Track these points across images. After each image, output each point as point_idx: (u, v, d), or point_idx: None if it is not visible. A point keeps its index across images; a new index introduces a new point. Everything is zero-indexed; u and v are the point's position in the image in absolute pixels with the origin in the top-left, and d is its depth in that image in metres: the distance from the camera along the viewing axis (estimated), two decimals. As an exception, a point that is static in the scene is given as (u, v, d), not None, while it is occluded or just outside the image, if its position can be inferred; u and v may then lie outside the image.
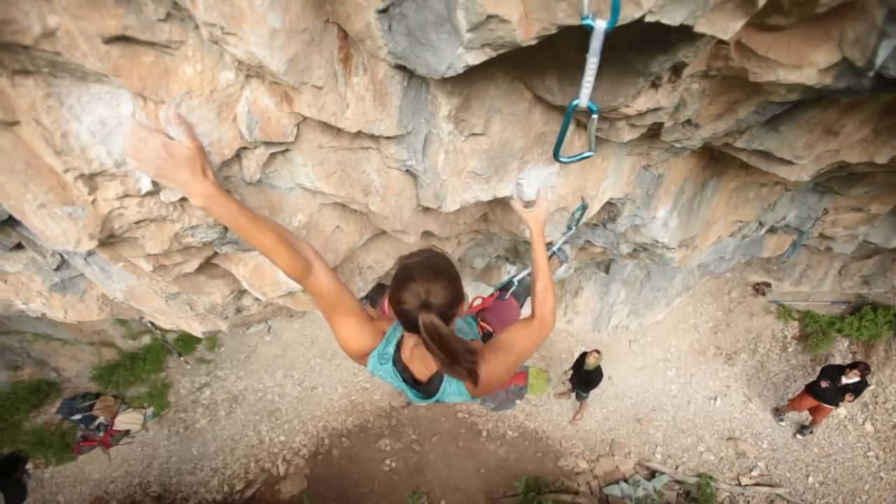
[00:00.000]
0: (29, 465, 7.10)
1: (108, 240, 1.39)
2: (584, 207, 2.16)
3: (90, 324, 6.98)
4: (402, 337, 1.34)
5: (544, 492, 6.54)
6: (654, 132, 1.93)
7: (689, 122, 1.83)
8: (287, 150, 1.35)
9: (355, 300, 1.35)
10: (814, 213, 4.33)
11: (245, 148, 1.27)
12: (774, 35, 1.27)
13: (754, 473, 6.89)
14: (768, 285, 8.61)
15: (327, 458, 7.30)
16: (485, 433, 7.35)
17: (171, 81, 1.08)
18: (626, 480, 6.78)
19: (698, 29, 0.97)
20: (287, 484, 7.09)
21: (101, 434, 7.28)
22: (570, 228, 2.19)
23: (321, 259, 1.29)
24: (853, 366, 5.64)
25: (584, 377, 6.34)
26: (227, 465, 7.32)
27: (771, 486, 6.62)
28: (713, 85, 1.59)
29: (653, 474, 6.86)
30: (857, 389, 5.73)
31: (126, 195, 1.27)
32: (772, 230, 5.02)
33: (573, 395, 7.18)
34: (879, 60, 1.16)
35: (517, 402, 7.68)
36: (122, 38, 0.97)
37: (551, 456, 7.13)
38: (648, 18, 0.89)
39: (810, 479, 6.68)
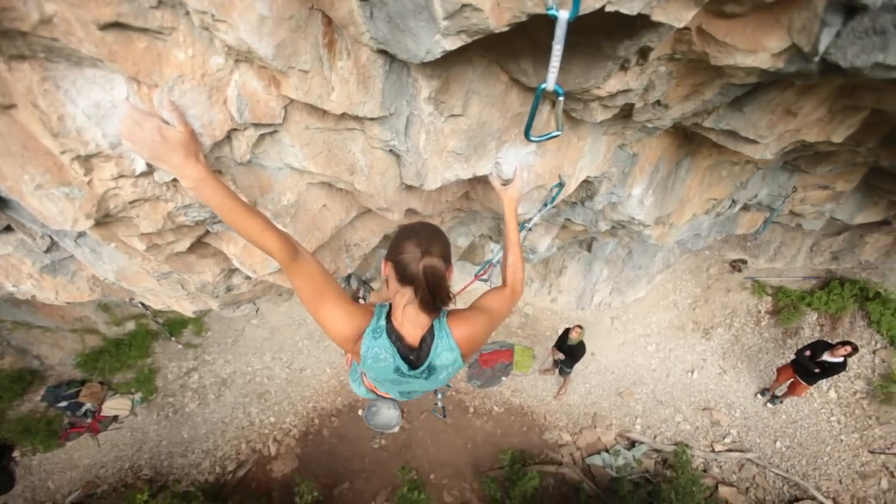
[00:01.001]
0: (16, 454, 7.10)
1: (104, 219, 1.44)
2: (561, 185, 2.26)
3: (72, 311, 6.91)
4: (390, 308, 1.43)
5: (529, 464, 6.82)
6: (627, 113, 2.03)
7: (658, 102, 1.93)
8: (275, 131, 1.42)
9: (339, 286, 1.36)
10: (784, 191, 4.52)
11: (235, 129, 1.33)
12: (731, 22, 1.37)
13: (727, 440, 7.27)
14: (744, 262, 8.93)
15: (318, 438, 7.44)
16: (472, 409, 7.58)
17: (164, 66, 1.13)
18: (607, 451, 7.10)
19: (655, 17, 1.06)
20: (278, 463, 7.22)
21: (89, 420, 7.28)
22: (545, 205, 2.30)
23: (303, 247, 1.32)
24: (843, 343, 5.62)
25: (568, 352, 6.57)
26: (218, 447, 7.41)
27: (742, 451, 7.01)
28: (679, 68, 1.69)
29: (632, 444, 7.20)
30: (831, 368, 5.83)
31: (121, 175, 1.33)
32: (745, 208, 5.22)
33: (557, 370, 7.42)
34: (822, 47, 1.27)
35: (503, 378, 7.92)
36: (117, 25, 1.01)
37: (536, 430, 7.42)
38: (608, 8, 0.97)
39: (778, 444, 7.10)
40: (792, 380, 6.68)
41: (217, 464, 7.36)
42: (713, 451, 7.11)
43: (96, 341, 7.62)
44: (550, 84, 1.02)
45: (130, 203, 1.43)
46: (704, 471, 6.91)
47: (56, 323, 7.04)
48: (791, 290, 8.20)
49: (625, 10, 0.99)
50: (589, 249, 6.83)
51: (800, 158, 3.55)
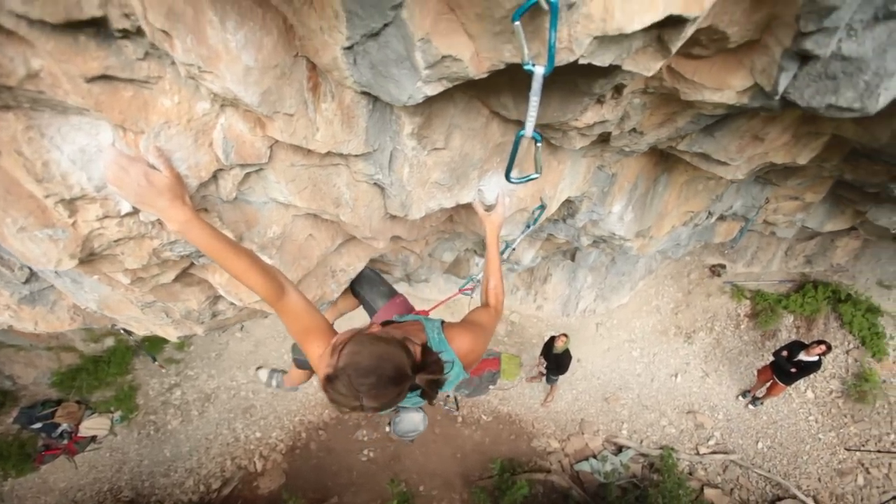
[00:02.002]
0: (-13, 479, 6.85)
1: (88, 258, 1.44)
2: (542, 207, 2.33)
3: (47, 328, 6.73)
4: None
5: (518, 472, 6.86)
6: (605, 139, 2.11)
7: (634, 130, 2.01)
8: (261, 169, 1.44)
9: (326, 321, 1.37)
10: (757, 202, 4.69)
11: (221, 170, 1.35)
12: (699, 62, 1.45)
13: (711, 443, 7.43)
14: (723, 267, 9.16)
15: (305, 452, 7.35)
16: (460, 419, 7.59)
17: (150, 113, 1.15)
18: (594, 457, 7.18)
19: (626, 67, 1.12)
20: (265, 480, 7.11)
21: (66, 441, 7.05)
22: (528, 227, 2.37)
23: (291, 283, 1.35)
24: (818, 342, 5.82)
25: (553, 361, 6.63)
26: (202, 465, 7.26)
27: (725, 453, 7.16)
28: (652, 99, 1.77)
29: (619, 449, 7.30)
30: (807, 367, 6.03)
31: (106, 216, 1.33)
32: (721, 218, 5.39)
33: (544, 378, 7.50)
34: (781, 88, 1.35)
35: (491, 387, 7.97)
36: (104, 77, 1.03)
37: (524, 438, 7.46)
38: (581, 62, 1.03)
39: (759, 445, 7.27)
40: (771, 381, 6.86)
41: (201, 482, 7.20)
42: (698, 453, 7.25)
43: (73, 359, 7.40)
44: (529, 132, 1.07)
45: (115, 241, 1.43)
46: (690, 473, 7.04)
47: (30, 341, 6.83)
48: (768, 294, 8.44)
49: (597, 63, 1.05)
50: (573, 259, 6.95)
51: (771, 173, 3.70)
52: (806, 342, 6.22)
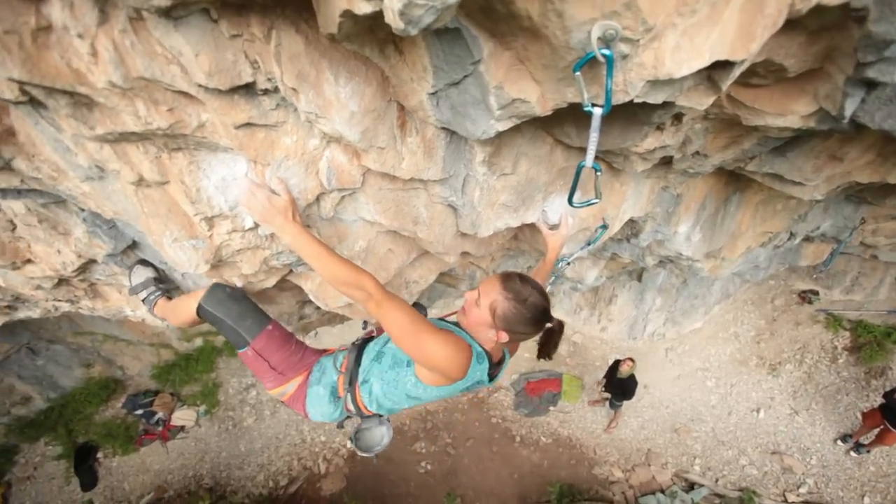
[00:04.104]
0: (99, 455, 7.87)
1: (217, 263, 1.78)
2: (605, 227, 2.41)
3: (152, 327, 7.69)
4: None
5: (578, 499, 6.62)
6: (667, 161, 2.16)
7: (697, 153, 2.05)
8: (354, 192, 1.71)
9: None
10: (850, 223, 4.30)
11: (323, 193, 1.65)
12: (758, 89, 1.50)
13: (802, 490, 6.66)
14: (815, 293, 8.30)
15: (365, 459, 7.62)
16: (518, 438, 7.51)
17: (275, 149, 1.45)
18: (662, 491, 6.74)
19: (679, 103, 1.23)
20: (327, 482, 7.43)
21: (160, 428, 7.92)
22: (588, 244, 2.47)
23: (384, 288, 1.47)
24: None
25: (618, 385, 6.40)
26: (271, 462, 7.76)
27: None
28: (714, 124, 1.82)
29: (691, 486, 6.79)
30: None
31: (234, 230, 1.67)
32: (808, 239, 4.99)
33: (607, 403, 7.23)
34: (848, 112, 1.37)
35: (551, 408, 7.80)
36: (247, 124, 1.34)
37: (585, 464, 7.20)
38: (636, 101, 1.16)
39: (866, 500, 6.39)
40: (881, 427, 6.02)
41: (270, 478, 7.68)
42: (786, 500, 6.54)
43: (169, 355, 8.32)
44: (589, 163, 1.22)
45: (237, 251, 1.77)
46: (775, 520, 6.38)
47: (137, 337, 7.83)
48: (873, 326, 7.49)
49: (651, 101, 1.17)
50: (639, 279, 6.72)
51: (864, 190, 3.43)
52: None
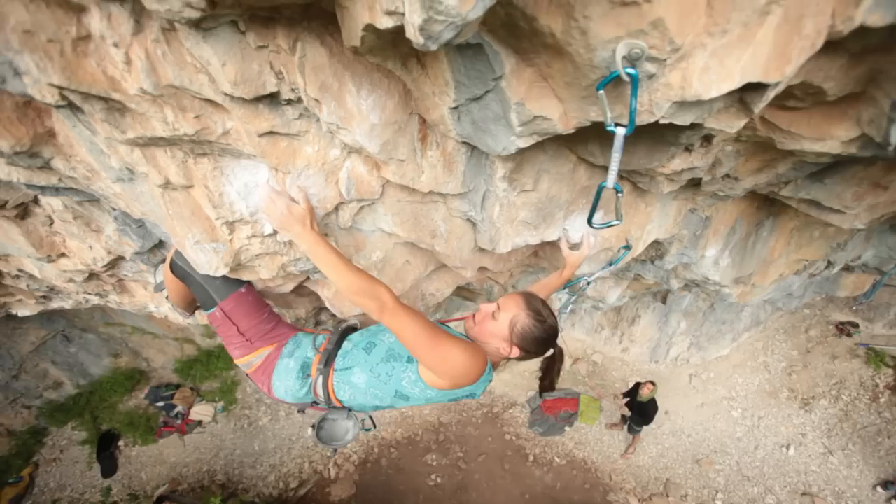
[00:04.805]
0: (121, 443, 8.11)
1: (236, 267, 1.81)
2: (628, 248, 2.34)
3: (175, 322, 7.94)
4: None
5: (592, 525, 6.40)
6: (695, 183, 2.09)
7: (727, 175, 1.97)
8: (373, 203, 1.72)
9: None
10: (895, 254, 4.06)
11: (342, 203, 1.66)
12: (795, 112, 1.43)
13: (834, 536, 6.27)
14: (855, 326, 7.86)
15: (375, 467, 7.59)
16: (531, 458, 7.34)
17: (297, 158, 1.47)
18: (681, 524, 6.45)
19: (707, 125, 1.19)
20: (337, 488, 7.43)
21: (179, 422, 8.12)
22: (609, 265, 2.40)
23: (397, 298, 1.46)
24: None
25: (637, 409, 6.19)
26: (283, 463, 7.82)
27: (852, 550, 5.98)
28: (747, 147, 1.75)
29: (712, 521, 6.47)
30: None
31: (253, 235, 1.70)
32: (847, 269, 4.73)
33: (625, 427, 7.00)
34: (894, 140, 1.28)
35: (566, 428, 7.59)
36: (270, 133, 1.37)
37: (600, 489, 6.96)
38: (662, 122, 1.12)
39: (904, 552, 5.96)
40: None
41: (281, 479, 7.73)
42: (814, 545, 6.16)
43: (192, 350, 8.55)
44: (610, 183, 1.18)
45: (256, 256, 1.79)
46: (802, 566, 5.99)
47: (163, 331, 8.08)
48: (921, 365, 7.03)
49: (678, 122, 1.13)
50: (664, 302, 6.51)
51: (911, 220, 3.23)
52: None
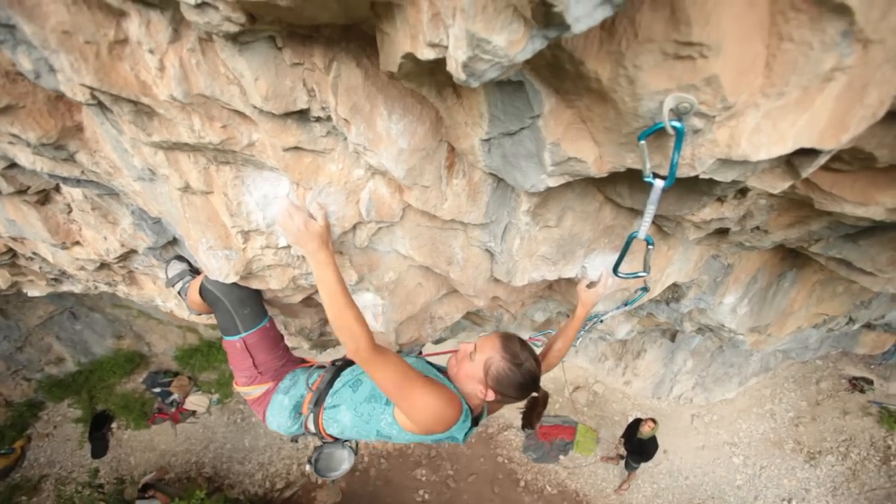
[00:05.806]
0: (114, 425, 8.11)
1: (246, 275, 1.79)
2: (645, 290, 2.27)
3: (182, 316, 7.97)
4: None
5: (579, 561, 6.22)
6: (722, 232, 2.02)
7: (757, 227, 1.91)
8: (391, 225, 1.68)
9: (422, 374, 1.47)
10: (920, 316, 3.92)
11: (360, 223, 1.63)
12: (838, 174, 1.37)
13: None
14: (869, 382, 7.61)
15: (364, 477, 7.49)
16: (523, 483, 7.18)
17: (320, 175, 1.45)
18: (671, 570, 6.23)
19: (749, 184, 1.13)
20: (322, 493, 7.34)
21: (173, 410, 8.11)
22: (625, 305, 2.33)
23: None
24: None
25: (636, 446, 6.04)
26: (272, 462, 7.76)
27: None
28: (781, 202, 1.69)
29: (704, 571, 6.25)
30: None
31: (267, 246, 1.67)
32: (869, 326, 4.58)
33: (622, 461, 6.82)
34: (944, 214, 1.22)
35: (560, 457, 7.43)
36: (295, 148, 1.34)
37: (591, 524, 6.79)
38: (702, 177, 1.07)
39: None
40: None
41: (268, 479, 7.66)
42: None
43: (194, 339, 8.55)
44: (642, 235, 1.13)
45: (268, 266, 1.77)
46: None
47: (168, 318, 8.10)
48: (936, 430, 6.78)
49: (718, 178, 1.08)
50: (672, 339, 6.37)
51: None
52: None
